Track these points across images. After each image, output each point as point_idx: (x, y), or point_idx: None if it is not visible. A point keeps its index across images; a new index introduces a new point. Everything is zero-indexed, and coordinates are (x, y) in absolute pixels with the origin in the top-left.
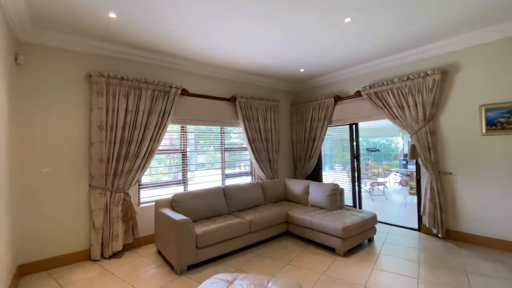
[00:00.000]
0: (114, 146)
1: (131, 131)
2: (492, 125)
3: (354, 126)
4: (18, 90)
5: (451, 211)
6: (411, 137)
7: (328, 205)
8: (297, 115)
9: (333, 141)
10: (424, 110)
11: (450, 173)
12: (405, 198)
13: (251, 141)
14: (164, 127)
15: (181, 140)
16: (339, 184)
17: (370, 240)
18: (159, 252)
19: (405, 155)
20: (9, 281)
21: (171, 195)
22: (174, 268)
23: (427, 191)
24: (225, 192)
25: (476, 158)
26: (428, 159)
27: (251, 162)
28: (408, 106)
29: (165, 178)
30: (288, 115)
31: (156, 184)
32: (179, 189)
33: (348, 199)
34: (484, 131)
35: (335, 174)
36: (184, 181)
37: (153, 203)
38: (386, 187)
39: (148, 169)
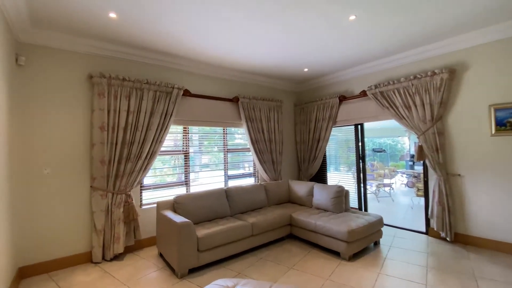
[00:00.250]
0: (116, 147)
1: (132, 132)
2: (501, 125)
3: (359, 126)
4: (18, 91)
5: (459, 214)
6: (418, 137)
7: (332, 208)
8: (301, 115)
9: (338, 141)
10: (431, 110)
11: (459, 175)
12: (412, 200)
13: (254, 142)
14: (166, 128)
15: (183, 141)
16: (344, 185)
17: (376, 243)
18: (161, 255)
19: (412, 156)
20: (9, 283)
21: (173, 196)
22: (175, 271)
23: (435, 193)
24: (227, 193)
25: (485, 159)
26: (436, 160)
27: (254, 163)
28: (415, 106)
29: (170, 179)
30: (291, 116)
31: (158, 186)
32: (182, 191)
33: (353, 201)
34: (493, 131)
35: (340, 175)
36: (186, 183)
37: (155, 205)
38: (392, 188)
39: (152, 170)
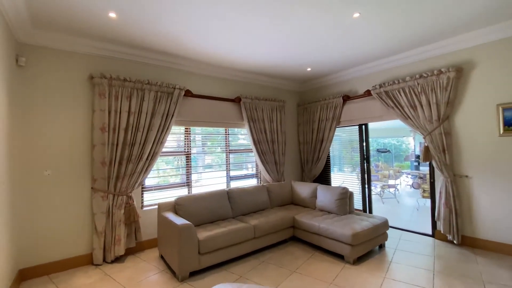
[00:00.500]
0: (117, 148)
1: (134, 133)
2: (510, 125)
3: (363, 126)
4: (19, 92)
5: (467, 216)
6: (424, 138)
7: (336, 210)
8: (304, 115)
9: (342, 142)
10: (438, 109)
11: (466, 176)
12: (418, 202)
13: (256, 142)
14: (167, 129)
15: (185, 142)
16: (348, 186)
17: (381, 246)
18: (162, 257)
19: (417, 156)
20: (9, 285)
21: (175, 198)
22: (176, 274)
23: (441, 195)
24: (229, 195)
25: (493, 160)
26: (442, 161)
27: (256, 164)
28: (421, 106)
29: (172, 180)
30: (294, 116)
31: (160, 187)
32: (184, 192)
33: (357, 202)
34: (501, 131)
35: (344, 176)
36: (188, 184)
37: (157, 206)
38: (397, 189)
39: (156, 171)
